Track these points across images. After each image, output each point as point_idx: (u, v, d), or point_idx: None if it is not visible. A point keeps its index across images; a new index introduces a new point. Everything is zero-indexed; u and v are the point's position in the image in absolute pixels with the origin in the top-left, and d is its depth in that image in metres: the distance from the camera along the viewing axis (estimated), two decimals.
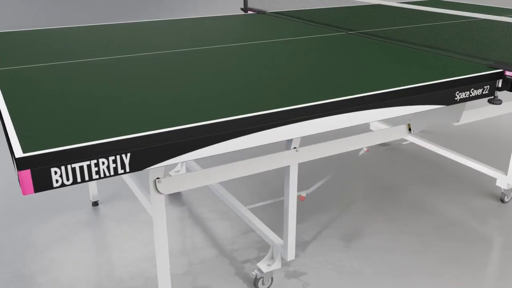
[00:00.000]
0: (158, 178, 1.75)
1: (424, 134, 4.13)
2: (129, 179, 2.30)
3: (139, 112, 1.54)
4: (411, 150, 3.82)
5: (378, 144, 3.92)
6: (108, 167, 1.30)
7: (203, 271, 2.41)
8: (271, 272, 2.28)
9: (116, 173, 1.32)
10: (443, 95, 1.86)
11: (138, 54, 2.33)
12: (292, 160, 1.99)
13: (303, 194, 2.66)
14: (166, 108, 1.58)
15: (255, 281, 2.26)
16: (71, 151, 1.25)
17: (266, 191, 3.19)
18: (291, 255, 2.21)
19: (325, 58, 2.27)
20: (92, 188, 2.98)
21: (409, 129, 2.29)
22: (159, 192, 1.76)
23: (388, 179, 3.35)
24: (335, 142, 2.05)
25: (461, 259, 2.51)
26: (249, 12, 3.59)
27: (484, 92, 1.96)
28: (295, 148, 2.00)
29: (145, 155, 1.35)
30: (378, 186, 3.26)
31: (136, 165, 1.34)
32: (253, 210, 2.97)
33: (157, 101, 1.65)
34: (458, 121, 2.39)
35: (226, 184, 3.30)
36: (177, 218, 2.89)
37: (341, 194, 3.15)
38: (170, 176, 1.77)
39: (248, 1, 3.76)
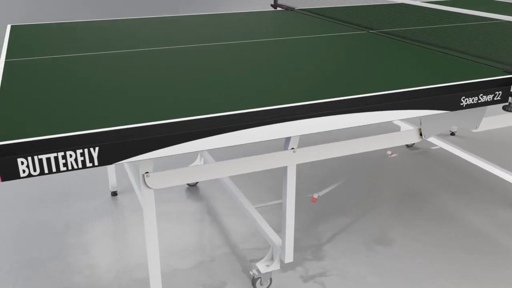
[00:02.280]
0: (147, 172, 1.76)
1: (454, 139, 3.94)
2: (129, 171, 2.33)
3: (116, 106, 1.55)
4: (441, 155, 3.66)
5: (407, 148, 3.78)
6: (76, 159, 1.32)
7: (212, 268, 2.42)
8: (270, 272, 2.24)
9: (84, 166, 1.33)
10: (446, 100, 1.76)
11: (156, 48, 2.35)
12: (288, 160, 1.94)
13: (315, 195, 2.60)
14: (149, 103, 1.59)
15: (253, 281, 2.24)
16: (37, 142, 1.28)
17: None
18: (289, 257, 2.17)
19: (339, 57, 2.20)
20: (112, 179, 3.05)
21: (420, 134, 2.19)
22: (148, 186, 1.77)
23: (413, 184, 3.22)
24: (335, 145, 1.99)
25: (477, 273, 2.37)
26: (278, 8, 3.55)
27: (495, 98, 1.83)
28: (292, 148, 1.96)
29: (114, 149, 1.36)
30: (401, 191, 3.14)
31: (105, 159, 1.35)
32: (271, 209, 2.94)
33: (147, 95, 1.66)
34: (476, 127, 2.26)
35: (247, 180, 3.28)
36: (193, 212, 2.91)
37: (363, 197, 3.06)
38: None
39: None
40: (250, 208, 2.51)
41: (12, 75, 1.88)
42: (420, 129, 2.18)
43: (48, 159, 1.29)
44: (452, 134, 4.02)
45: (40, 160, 1.29)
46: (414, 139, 2.16)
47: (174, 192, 3.14)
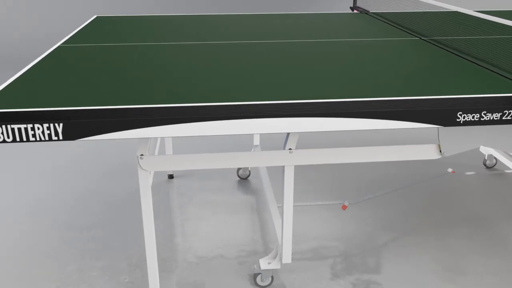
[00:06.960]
0: (141, 155, 1.91)
1: None
2: None
3: (99, 90, 1.72)
4: None
5: (486, 168, 3.45)
6: (43, 132, 1.51)
7: (231, 263, 2.51)
8: (270, 270, 2.26)
9: (50, 138, 1.52)
10: (437, 114, 1.62)
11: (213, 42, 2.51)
12: (284, 161, 1.95)
13: (346, 203, 2.53)
14: (132, 89, 1.73)
15: (254, 276, 2.28)
16: (10, 114, 1.49)
17: (338, 191, 3.11)
18: (286, 258, 2.16)
19: (369, 62, 2.14)
20: None
21: (440, 151, 2.03)
22: (142, 168, 1.91)
23: (474, 208, 2.95)
24: (334, 150, 1.94)
25: None
26: (355, 11, 3.48)
27: (505, 118, 1.64)
28: (290, 149, 1.96)
29: (77, 127, 1.52)
30: (457, 213, 2.90)
31: (68, 135, 1.52)
32: (310, 209, 2.93)
33: (140, 84, 1.81)
34: None
35: (310, 177, 3.29)
36: (236, 204, 3.01)
37: (415, 213, 2.89)
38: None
39: (359, 1, 3.65)
40: (272, 206, 2.54)
41: (50, 57, 2.16)
42: (439, 145, 2.03)
43: (19, 129, 1.50)
44: None
45: (13, 129, 1.50)
46: (432, 155, 2.02)
47: (226, 183, 3.27)
